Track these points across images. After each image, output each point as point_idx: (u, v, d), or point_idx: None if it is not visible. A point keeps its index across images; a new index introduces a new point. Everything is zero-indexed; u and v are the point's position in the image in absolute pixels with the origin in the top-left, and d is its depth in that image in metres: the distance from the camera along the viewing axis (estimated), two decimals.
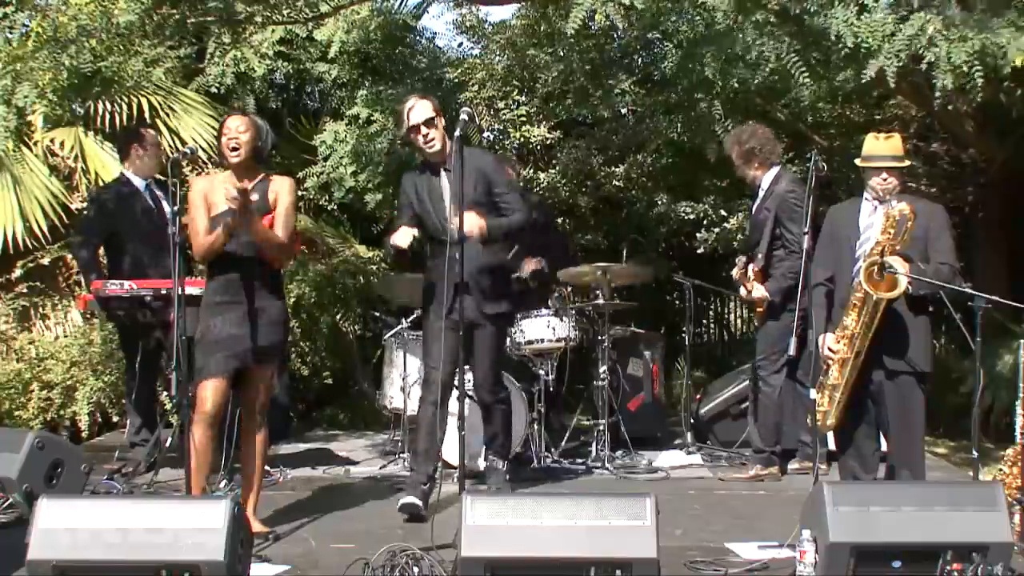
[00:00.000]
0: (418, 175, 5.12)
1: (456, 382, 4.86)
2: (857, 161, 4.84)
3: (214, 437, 4.52)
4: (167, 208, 5.86)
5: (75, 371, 7.14)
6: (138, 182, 6.16)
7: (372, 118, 8.02)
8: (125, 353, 6.22)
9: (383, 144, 7.90)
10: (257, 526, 4.52)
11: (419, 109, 4.95)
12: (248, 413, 4.60)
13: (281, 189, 4.54)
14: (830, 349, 4.70)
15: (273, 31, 7.87)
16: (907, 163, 4.82)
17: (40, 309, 7.67)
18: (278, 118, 9.01)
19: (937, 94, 5.18)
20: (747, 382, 6.97)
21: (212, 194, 4.45)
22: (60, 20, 5.94)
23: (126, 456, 6.00)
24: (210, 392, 4.39)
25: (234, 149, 4.43)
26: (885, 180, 4.72)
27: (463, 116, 4.35)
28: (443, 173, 5.00)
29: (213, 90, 7.94)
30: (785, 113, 7.92)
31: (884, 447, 5.03)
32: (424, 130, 4.92)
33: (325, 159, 8.12)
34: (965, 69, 5.03)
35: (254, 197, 4.38)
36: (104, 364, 7.14)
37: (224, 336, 4.43)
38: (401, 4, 8.84)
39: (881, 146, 4.79)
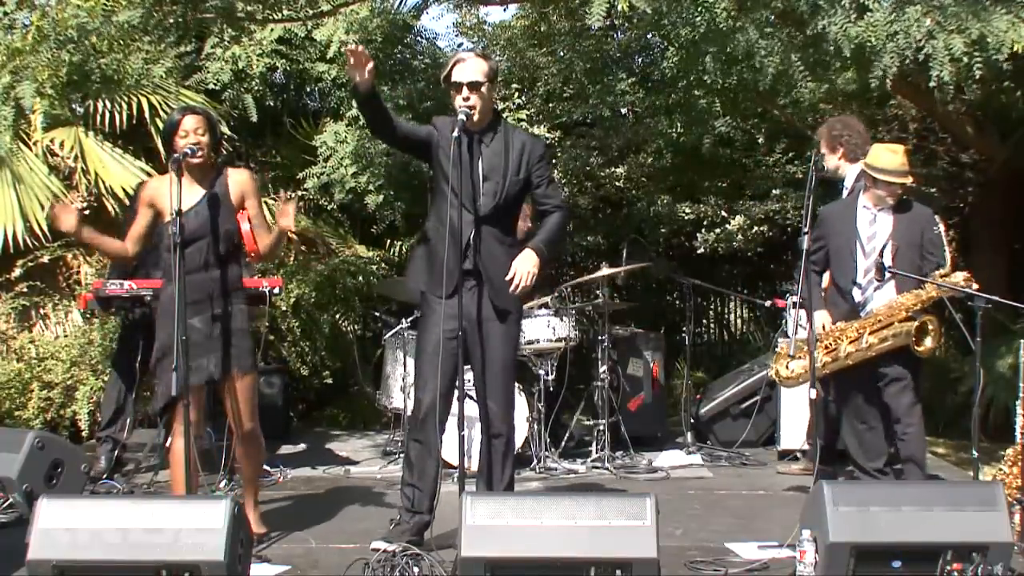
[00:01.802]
0: (455, 129, 4.17)
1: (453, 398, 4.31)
2: (867, 170, 4.99)
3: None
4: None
5: (75, 371, 7.13)
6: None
7: None
8: (125, 350, 6.14)
9: (382, 145, 7.89)
10: (255, 527, 4.49)
11: (468, 67, 4.25)
12: (234, 427, 4.47)
13: (245, 186, 4.38)
14: (822, 330, 4.99)
15: (272, 29, 7.87)
16: (906, 180, 5.01)
17: (40, 309, 7.66)
18: (277, 118, 9.01)
19: (932, 84, 5.19)
20: (747, 382, 6.99)
21: (160, 198, 4.27)
22: (60, 16, 5.94)
23: (93, 453, 5.96)
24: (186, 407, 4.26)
25: (196, 152, 4.26)
26: (893, 194, 4.97)
27: (462, 116, 4.30)
28: (479, 143, 4.31)
29: (211, 87, 7.93)
30: (785, 113, 7.92)
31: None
32: (466, 92, 4.22)
33: (326, 160, 8.11)
34: (965, 60, 5.03)
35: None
36: (104, 364, 7.14)
37: (207, 343, 4.29)
38: (400, 3, 8.85)
39: (898, 161, 4.97)
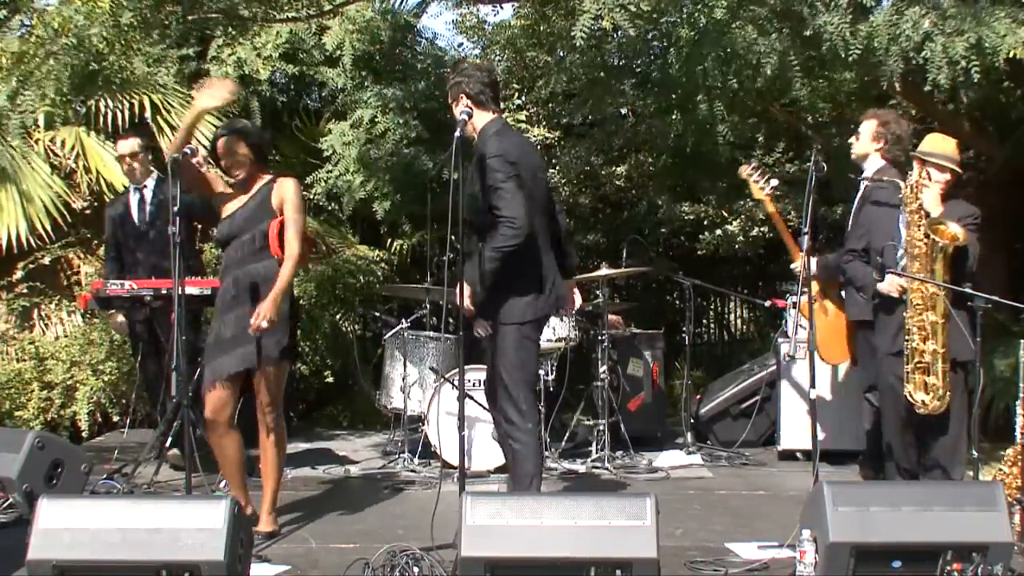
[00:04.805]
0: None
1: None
2: (917, 155, 4.90)
3: (224, 436, 4.51)
4: (134, 212, 5.97)
5: (75, 371, 7.14)
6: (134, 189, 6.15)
7: (376, 119, 8.00)
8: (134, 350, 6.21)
9: (389, 146, 7.88)
10: (265, 525, 4.58)
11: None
12: (258, 414, 4.59)
13: (285, 194, 4.51)
14: (896, 286, 4.78)
15: (277, 34, 7.86)
16: (959, 168, 4.88)
17: (41, 309, 7.67)
18: (278, 116, 9.01)
19: (928, 88, 5.18)
20: (747, 382, 6.99)
21: (220, 201, 4.63)
22: (60, 19, 5.94)
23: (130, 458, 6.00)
24: (209, 397, 4.46)
25: (234, 171, 4.54)
26: (947, 180, 4.82)
27: (462, 116, 4.29)
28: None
29: None
30: (785, 113, 7.92)
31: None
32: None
33: (335, 163, 8.10)
34: (963, 64, 5.04)
35: (255, 201, 4.51)
36: (104, 364, 7.15)
37: (226, 338, 4.46)
38: (401, 3, 8.85)
39: (949, 147, 4.89)
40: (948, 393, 4.67)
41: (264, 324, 4.31)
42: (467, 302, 4.32)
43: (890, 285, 4.82)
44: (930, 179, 4.78)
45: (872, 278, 4.92)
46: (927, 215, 4.68)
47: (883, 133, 5.33)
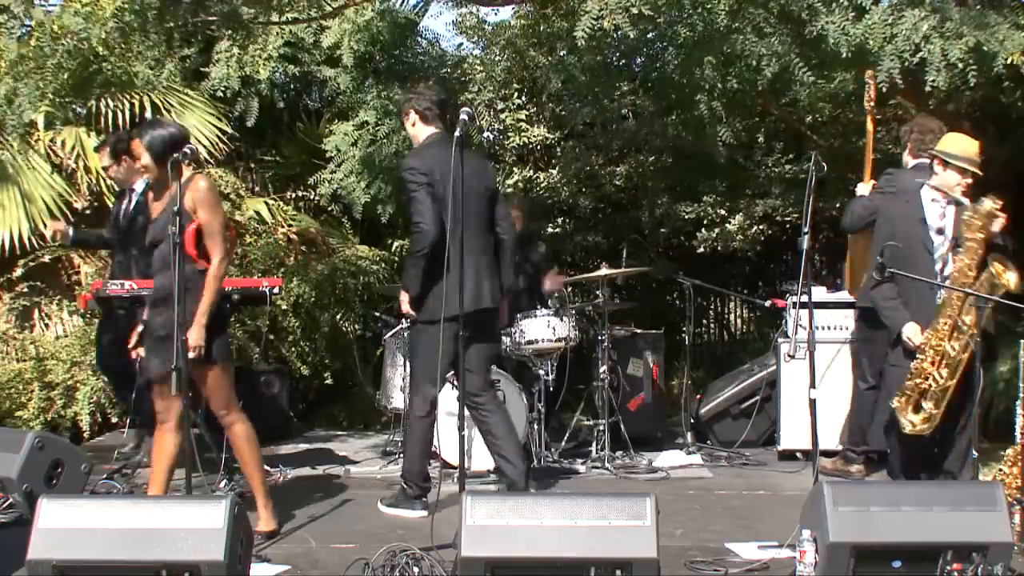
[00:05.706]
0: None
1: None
2: (937, 154, 4.87)
3: (166, 434, 4.43)
4: (122, 214, 6.01)
5: (75, 371, 7.14)
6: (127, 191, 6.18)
7: (379, 121, 7.99)
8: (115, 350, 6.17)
9: (391, 148, 7.87)
10: (265, 524, 4.59)
11: None
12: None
13: (196, 197, 4.37)
14: (915, 342, 4.71)
15: (279, 34, 7.84)
16: (979, 171, 4.86)
17: (41, 309, 7.67)
18: (278, 116, 9.00)
19: (928, 88, 5.19)
20: (747, 382, 6.98)
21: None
22: (59, 22, 5.95)
23: (128, 460, 6.01)
24: (155, 396, 4.45)
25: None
26: (963, 183, 4.80)
27: (463, 116, 4.31)
28: None
29: (219, 94, 7.93)
30: (785, 113, 7.91)
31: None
32: None
33: (337, 165, 8.09)
34: (960, 67, 5.03)
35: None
36: None
37: (152, 340, 4.44)
38: (402, 3, 8.83)
39: (972, 149, 4.85)
40: (940, 420, 4.65)
41: (192, 355, 4.24)
42: (405, 307, 4.88)
43: (913, 334, 4.75)
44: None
45: (905, 318, 4.81)
46: (989, 249, 4.61)
47: (909, 138, 5.57)
